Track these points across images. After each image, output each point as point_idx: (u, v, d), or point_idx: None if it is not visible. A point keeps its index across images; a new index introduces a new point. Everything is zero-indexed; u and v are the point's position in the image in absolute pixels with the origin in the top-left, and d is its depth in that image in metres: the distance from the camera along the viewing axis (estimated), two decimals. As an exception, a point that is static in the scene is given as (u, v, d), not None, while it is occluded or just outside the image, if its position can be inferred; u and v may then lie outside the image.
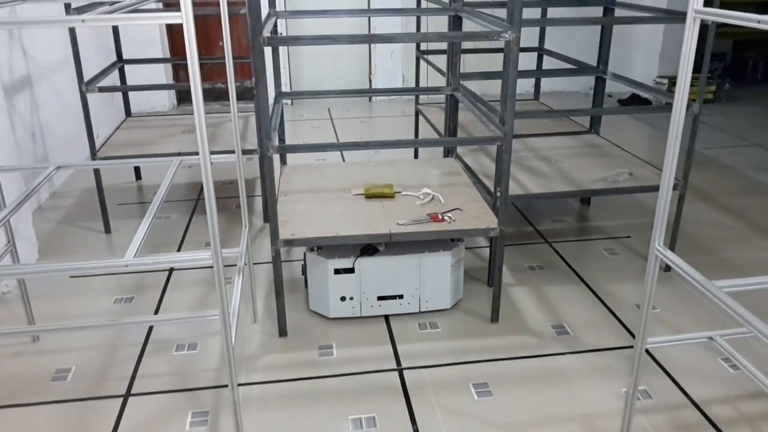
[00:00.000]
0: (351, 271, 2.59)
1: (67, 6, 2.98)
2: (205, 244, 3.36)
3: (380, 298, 2.66)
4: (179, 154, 3.37)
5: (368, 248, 2.61)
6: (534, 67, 4.33)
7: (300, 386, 2.27)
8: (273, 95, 3.26)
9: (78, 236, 3.46)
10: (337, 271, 2.58)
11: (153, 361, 2.41)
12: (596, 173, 3.07)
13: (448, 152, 3.42)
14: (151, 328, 2.61)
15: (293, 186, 2.92)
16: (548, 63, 4.19)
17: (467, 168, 3.12)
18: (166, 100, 6.09)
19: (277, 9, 3.26)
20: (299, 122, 5.67)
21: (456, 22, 3.16)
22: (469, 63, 5.88)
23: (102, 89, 3.25)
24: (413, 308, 2.70)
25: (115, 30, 3.94)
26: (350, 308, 2.66)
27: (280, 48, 5.86)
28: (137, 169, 4.28)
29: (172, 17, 1.38)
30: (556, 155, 3.33)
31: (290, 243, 2.44)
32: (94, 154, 3.31)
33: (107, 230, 3.49)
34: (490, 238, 2.80)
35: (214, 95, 6.19)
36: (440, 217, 2.55)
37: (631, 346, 2.46)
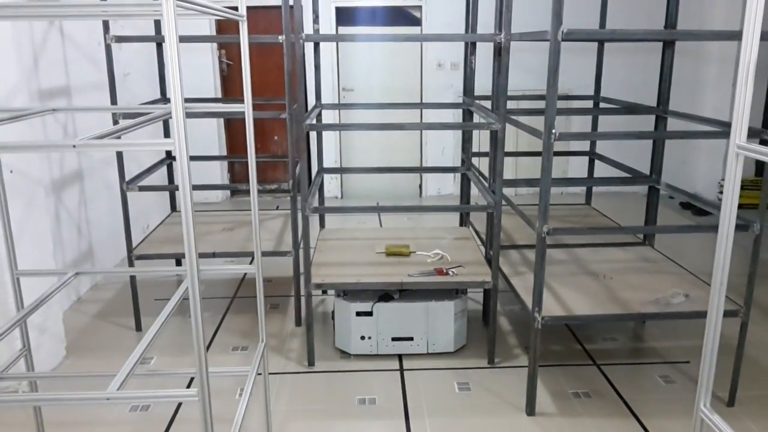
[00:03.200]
0: (370, 314, 3.05)
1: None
2: (232, 348, 3.25)
3: (394, 339, 3.11)
4: (213, 255, 3.36)
5: (385, 296, 3.09)
6: (587, 169, 4.17)
7: None
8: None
9: (109, 333, 3.42)
10: (358, 314, 3.06)
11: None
12: (648, 293, 2.82)
13: (464, 222, 3.95)
14: (160, 443, 2.47)
15: (327, 244, 3.50)
16: (601, 165, 4.03)
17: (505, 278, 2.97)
18: (219, 191, 6.21)
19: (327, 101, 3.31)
20: (347, 216, 5.63)
21: (468, 115, 3.78)
22: (524, 168, 5.79)
23: (142, 188, 3.29)
24: (422, 350, 3.13)
25: (167, 126, 4.05)
26: (368, 346, 3.12)
27: (333, 140, 5.96)
28: (178, 262, 4.28)
29: (165, 144, 1.33)
30: (605, 270, 3.10)
31: (320, 286, 2.98)
32: (130, 252, 3.31)
33: (138, 328, 3.44)
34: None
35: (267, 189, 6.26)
36: (444, 271, 3.05)
37: (686, 502, 2.14)
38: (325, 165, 5.02)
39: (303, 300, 3.01)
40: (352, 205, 5.99)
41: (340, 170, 4.24)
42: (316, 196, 3.51)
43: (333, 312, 3.19)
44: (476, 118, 3.44)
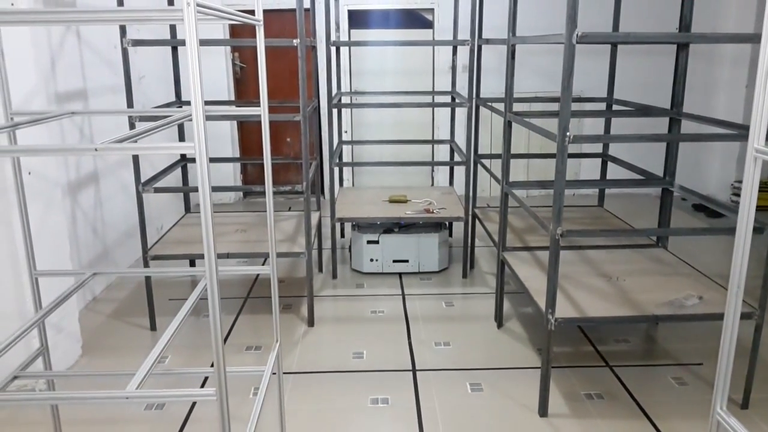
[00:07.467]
0: (377, 242, 4.20)
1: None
2: (246, 347, 3.28)
3: (394, 261, 4.26)
4: (228, 256, 3.39)
5: (388, 230, 4.22)
6: (599, 170, 4.17)
7: None
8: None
9: (124, 333, 3.45)
10: (369, 242, 4.20)
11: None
12: (662, 295, 2.82)
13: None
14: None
15: (346, 195, 4.66)
16: (614, 167, 4.02)
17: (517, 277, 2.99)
18: (231, 192, 6.24)
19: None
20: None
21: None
22: (535, 169, 5.76)
23: (157, 190, 3.32)
24: (414, 269, 4.28)
25: (180, 128, 4.08)
26: (376, 266, 4.26)
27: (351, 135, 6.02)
28: (192, 262, 4.31)
29: (185, 148, 1.35)
30: (618, 272, 3.10)
31: (341, 219, 4.08)
32: (145, 253, 3.34)
33: (153, 327, 3.47)
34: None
35: (280, 191, 6.28)
36: (431, 210, 4.14)
37: (700, 504, 2.14)
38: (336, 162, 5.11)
39: (330, 229, 4.30)
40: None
41: (352, 142, 5.41)
42: (337, 160, 4.34)
43: (350, 244, 4.37)
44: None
